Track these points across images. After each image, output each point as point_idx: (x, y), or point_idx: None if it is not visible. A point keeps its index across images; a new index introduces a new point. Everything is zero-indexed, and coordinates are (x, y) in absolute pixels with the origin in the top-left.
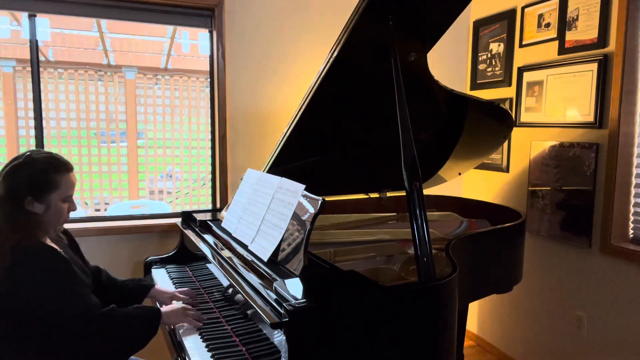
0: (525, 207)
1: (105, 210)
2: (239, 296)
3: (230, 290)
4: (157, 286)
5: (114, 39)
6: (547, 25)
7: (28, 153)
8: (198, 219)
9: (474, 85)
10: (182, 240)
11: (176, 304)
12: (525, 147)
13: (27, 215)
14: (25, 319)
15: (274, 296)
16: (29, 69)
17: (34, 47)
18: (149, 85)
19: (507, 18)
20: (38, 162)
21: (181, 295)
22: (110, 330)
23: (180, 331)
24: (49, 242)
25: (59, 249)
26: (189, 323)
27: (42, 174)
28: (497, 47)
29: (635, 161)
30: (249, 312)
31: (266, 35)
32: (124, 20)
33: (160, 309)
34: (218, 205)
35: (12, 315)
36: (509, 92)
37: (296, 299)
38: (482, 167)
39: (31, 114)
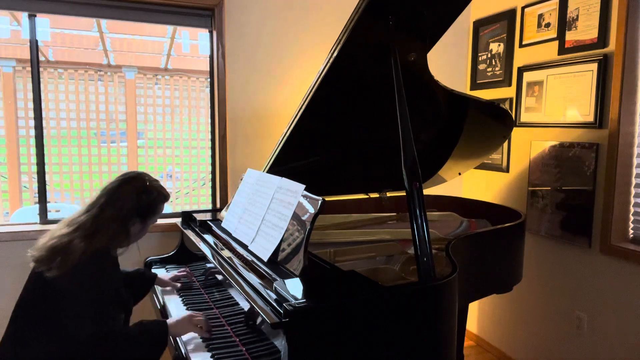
0: (525, 207)
1: None
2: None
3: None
4: (159, 275)
5: (114, 39)
6: (547, 25)
7: (148, 179)
8: (198, 219)
9: (474, 85)
10: (182, 240)
11: (182, 314)
12: (525, 147)
13: (125, 231)
14: (62, 315)
15: (274, 296)
16: (29, 69)
17: (34, 47)
18: (149, 85)
19: (507, 18)
20: (154, 191)
21: (179, 274)
22: (116, 349)
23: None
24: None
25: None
26: (197, 332)
27: (155, 202)
28: (497, 47)
29: (635, 161)
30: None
31: (266, 35)
32: (124, 20)
33: (166, 321)
34: (218, 206)
35: (52, 305)
36: (509, 92)
37: (296, 299)
38: (482, 167)
39: (31, 114)
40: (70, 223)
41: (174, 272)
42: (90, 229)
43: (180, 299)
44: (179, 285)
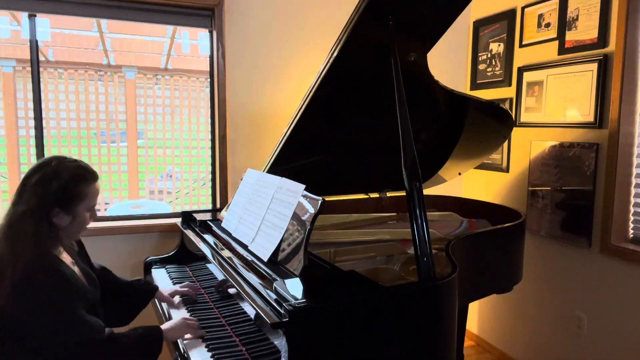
0: (525, 207)
1: (105, 210)
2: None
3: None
4: (160, 289)
5: (114, 39)
6: (547, 25)
7: (55, 162)
8: (198, 219)
9: (474, 85)
10: (182, 240)
11: (175, 317)
12: (525, 147)
13: (52, 228)
14: (25, 339)
15: (274, 296)
16: (29, 69)
17: (34, 47)
18: (149, 85)
19: (507, 18)
20: (66, 172)
21: (181, 289)
22: (110, 357)
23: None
24: (62, 252)
25: (68, 263)
26: (192, 334)
27: (71, 185)
28: (497, 47)
29: (635, 161)
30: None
31: (266, 35)
32: (124, 20)
33: (161, 326)
34: (218, 205)
35: (12, 333)
36: (509, 92)
37: (296, 299)
38: (482, 167)
39: (31, 114)
40: None
41: (176, 287)
42: (8, 231)
43: (181, 298)
44: (176, 301)
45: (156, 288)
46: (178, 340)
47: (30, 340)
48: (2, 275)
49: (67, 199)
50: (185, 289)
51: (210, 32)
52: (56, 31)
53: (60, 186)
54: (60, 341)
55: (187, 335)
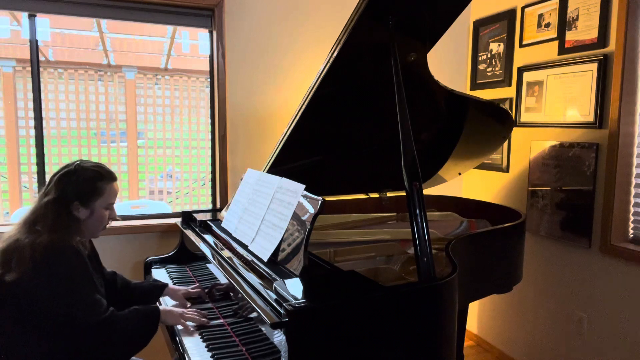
0: (525, 207)
1: None
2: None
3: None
4: (171, 285)
5: (114, 39)
6: (547, 25)
7: (78, 162)
8: (198, 219)
9: (474, 85)
10: (182, 240)
11: (177, 308)
12: (525, 147)
13: (71, 219)
14: (37, 316)
15: (274, 296)
16: (29, 69)
17: (34, 47)
18: (149, 85)
19: (507, 18)
20: (86, 171)
21: (193, 291)
22: (111, 333)
23: (180, 328)
24: None
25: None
26: (183, 325)
27: (90, 181)
28: (497, 47)
29: (635, 161)
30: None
31: (266, 35)
32: (124, 20)
33: (159, 307)
34: (218, 205)
35: (25, 309)
36: (509, 92)
37: (296, 299)
38: (482, 167)
39: (31, 114)
40: (18, 223)
41: (187, 288)
42: (32, 220)
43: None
44: (189, 304)
45: (166, 285)
46: (178, 340)
47: (42, 315)
48: (22, 252)
49: (86, 194)
50: (196, 290)
51: (210, 32)
52: (56, 31)
53: (79, 181)
54: (70, 317)
55: (188, 323)
